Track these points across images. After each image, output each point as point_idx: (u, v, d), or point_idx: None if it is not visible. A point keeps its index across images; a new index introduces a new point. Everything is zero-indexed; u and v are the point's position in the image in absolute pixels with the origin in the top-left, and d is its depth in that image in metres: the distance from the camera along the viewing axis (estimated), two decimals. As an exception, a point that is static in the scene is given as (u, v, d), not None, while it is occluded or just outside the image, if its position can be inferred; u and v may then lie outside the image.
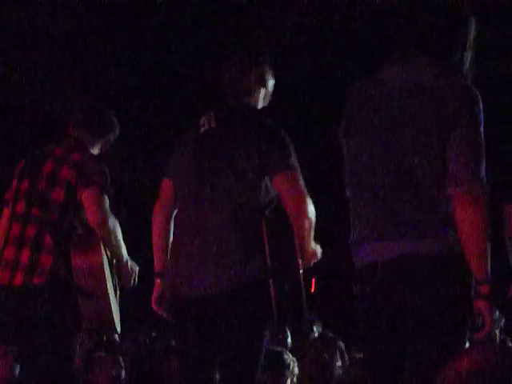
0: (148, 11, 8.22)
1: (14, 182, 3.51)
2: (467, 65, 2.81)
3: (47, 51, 8.18)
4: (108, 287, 3.32)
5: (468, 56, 2.81)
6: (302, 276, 3.06)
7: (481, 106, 2.66)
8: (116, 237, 3.41)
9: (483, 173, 2.63)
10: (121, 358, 4.53)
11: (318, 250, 3.26)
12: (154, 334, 5.91)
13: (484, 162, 2.66)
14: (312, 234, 3.17)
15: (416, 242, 2.69)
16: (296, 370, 4.41)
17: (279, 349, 4.65)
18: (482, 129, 2.65)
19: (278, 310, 2.99)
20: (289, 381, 4.38)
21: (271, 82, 3.27)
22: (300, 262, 3.09)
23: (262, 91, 3.24)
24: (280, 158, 3.06)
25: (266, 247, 3.03)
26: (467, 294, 2.66)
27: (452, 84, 2.67)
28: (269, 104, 3.34)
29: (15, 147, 7.73)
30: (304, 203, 3.08)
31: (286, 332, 5.56)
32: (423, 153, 2.68)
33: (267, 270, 3.01)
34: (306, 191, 3.10)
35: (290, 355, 4.53)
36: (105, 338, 4.60)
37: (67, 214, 3.39)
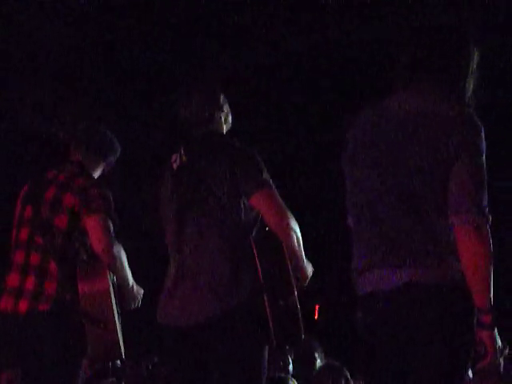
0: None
1: (18, 208, 3.50)
2: (470, 92, 2.82)
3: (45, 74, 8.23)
4: (114, 313, 3.31)
5: (471, 83, 2.82)
6: (296, 292, 3.07)
7: (483, 136, 2.66)
8: (121, 262, 3.40)
9: (485, 202, 2.63)
10: None
11: (310, 267, 3.27)
12: (155, 360, 5.88)
13: (486, 191, 2.66)
14: (301, 248, 3.19)
15: (418, 270, 2.68)
16: None
17: (283, 375, 4.63)
18: (483, 158, 2.65)
19: (274, 325, 3.00)
20: None
21: (227, 106, 3.32)
22: (294, 279, 3.10)
23: (222, 115, 3.29)
24: (253, 178, 3.09)
25: (258, 265, 3.04)
26: (470, 323, 2.65)
27: (455, 113, 2.68)
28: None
29: (17, 171, 7.76)
30: (285, 217, 3.10)
31: (288, 358, 5.55)
32: (426, 181, 2.68)
33: (261, 288, 3.02)
34: (284, 206, 3.12)
35: (295, 381, 4.51)
36: (110, 365, 4.58)
37: (71, 241, 3.38)
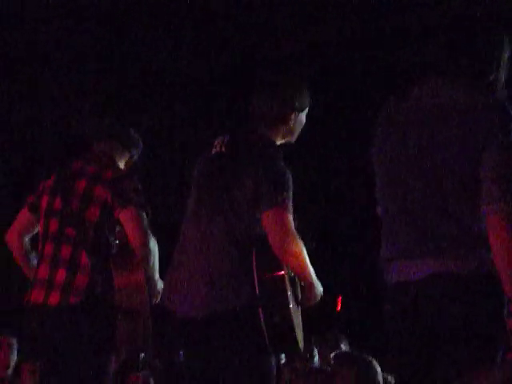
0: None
1: (44, 200, 3.52)
2: (502, 84, 2.83)
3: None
4: (148, 306, 3.35)
5: (503, 76, 2.83)
6: (291, 311, 3.07)
7: None
8: (155, 257, 3.41)
9: None
10: (152, 379, 4.60)
11: (318, 287, 3.24)
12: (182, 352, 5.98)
13: None
14: (307, 272, 3.15)
15: (448, 260, 2.70)
16: None
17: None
18: None
19: (269, 339, 3.02)
20: None
21: (302, 116, 3.23)
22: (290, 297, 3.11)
23: (291, 123, 3.20)
24: (271, 195, 3.04)
25: (255, 278, 3.03)
26: (500, 314, 2.66)
27: (485, 103, 2.70)
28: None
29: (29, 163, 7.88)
30: (287, 243, 3.05)
31: (314, 350, 5.61)
32: (455, 172, 2.70)
33: (256, 299, 3.02)
34: (292, 230, 3.07)
35: None
36: (141, 358, 4.65)
37: (102, 233, 3.40)
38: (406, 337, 2.82)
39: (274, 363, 3.10)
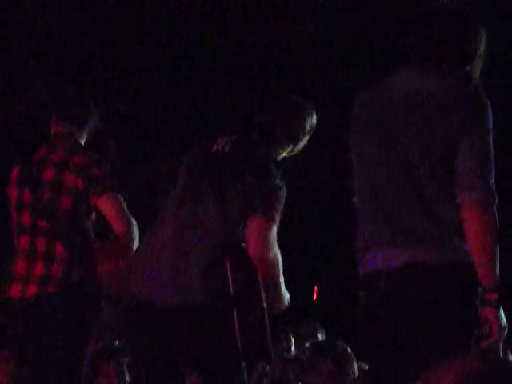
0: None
1: (14, 192, 3.49)
2: (478, 74, 2.88)
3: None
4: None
5: (478, 67, 2.89)
6: (267, 314, 3.22)
7: (489, 114, 2.73)
8: (138, 240, 3.45)
9: (492, 180, 2.70)
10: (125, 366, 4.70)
11: (287, 296, 3.40)
12: None
13: (493, 170, 2.73)
14: (279, 280, 3.32)
15: (421, 249, 2.76)
16: None
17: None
18: (490, 137, 2.73)
19: (242, 340, 3.14)
20: None
21: (306, 138, 3.44)
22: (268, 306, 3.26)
23: (300, 143, 3.42)
24: (263, 205, 3.20)
25: (230, 279, 3.16)
26: (472, 302, 2.71)
27: (460, 92, 2.75)
28: None
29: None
30: (264, 253, 3.20)
31: (290, 339, 5.70)
32: (430, 161, 2.74)
33: (230, 299, 3.15)
34: (274, 241, 3.22)
35: None
36: (116, 345, 4.76)
37: (77, 222, 3.40)
38: (379, 325, 2.86)
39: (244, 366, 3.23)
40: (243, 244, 3.28)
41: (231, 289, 3.14)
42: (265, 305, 3.25)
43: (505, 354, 4.95)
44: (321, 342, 5.26)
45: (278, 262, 3.29)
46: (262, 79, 8.71)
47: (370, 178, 2.85)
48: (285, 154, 3.45)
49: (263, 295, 3.25)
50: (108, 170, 3.37)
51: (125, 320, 3.35)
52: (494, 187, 2.72)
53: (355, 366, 4.53)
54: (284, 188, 3.29)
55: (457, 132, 2.70)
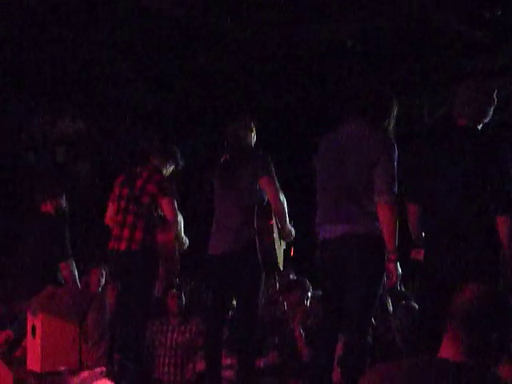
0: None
1: (117, 189, 4.94)
2: (391, 127, 3.69)
3: None
4: (177, 253, 4.82)
5: (391, 122, 3.69)
6: (274, 239, 4.20)
7: (395, 149, 3.52)
8: (181, 224, 4.89)
9: (395, 189, 3.48)
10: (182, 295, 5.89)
11: (292, 230, 4.51)
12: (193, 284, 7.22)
13: (396, 182, 3.46)
14: (286, 217, 4.31)
15: (353, 226, 3.50)
16: None
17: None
18: (395, 163, 3.52)
19: (261, 255, 4.16)
20: None
21: (254, 131, 4.57)
22: (276, 235, 4.28)
23: (253, 136, 4.56)
24: (263, 170, 4.27)
25: (255, 222, 4.25)
26: (382, 260, 3.47)
27: (379, 137, 3.54)
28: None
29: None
30: (277, 195, 4.25)
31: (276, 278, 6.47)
32: (359, 175, 3.50)
33: (256, 233, 4.21)
34: (278, 188, 4.26)
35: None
36: (176, 282, 5.99)
37: (151, 210, 4.82)
38: (328, 270, 3.62)
39: (263, 275, 4.33)
40: (264, 202, 4.30)
41: (255, 227, 4.19)
42: (275, 235, 4.21)
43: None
44: (292, 279, 6.11)
45: (284, 204, 4.25)
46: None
47: (325, 182, 3.65)
48: (253, 141, 4.50)
49: (275, 230, 4.22)
50: (171, 185, 4.88)
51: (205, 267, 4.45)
52: (396, 193, 3.45)
53: (309, 293, 5.54)
54: (267, 156, 4.31)
55: (376, 158, 3.44)
